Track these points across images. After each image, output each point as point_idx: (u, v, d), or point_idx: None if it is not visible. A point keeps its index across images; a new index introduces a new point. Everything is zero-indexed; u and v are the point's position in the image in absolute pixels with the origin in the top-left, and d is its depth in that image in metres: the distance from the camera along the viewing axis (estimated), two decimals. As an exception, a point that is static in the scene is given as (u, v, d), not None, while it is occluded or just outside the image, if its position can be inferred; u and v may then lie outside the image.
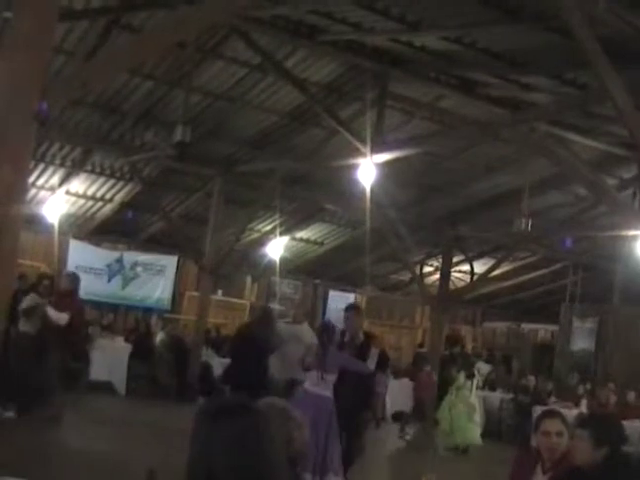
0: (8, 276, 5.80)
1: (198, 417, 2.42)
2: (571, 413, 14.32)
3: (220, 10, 6.61)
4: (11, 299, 7.60)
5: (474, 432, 14.81)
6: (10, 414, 11.30)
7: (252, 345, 11.88)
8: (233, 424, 2.37)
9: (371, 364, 9.38)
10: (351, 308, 10.20)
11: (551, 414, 5.16)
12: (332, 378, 8.96)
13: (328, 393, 8.92)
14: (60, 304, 11.77)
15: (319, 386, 8.91)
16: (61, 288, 12.64)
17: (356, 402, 9.49)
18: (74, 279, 12.53)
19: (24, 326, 11.72)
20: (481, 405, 16.40)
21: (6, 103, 5.69)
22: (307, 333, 12.30)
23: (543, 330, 24.93)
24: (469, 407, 14.75)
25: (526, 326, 25.37)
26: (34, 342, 11.53)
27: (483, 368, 19.63)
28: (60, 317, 11.49)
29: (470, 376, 14.97)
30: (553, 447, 4.89)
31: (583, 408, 17.21)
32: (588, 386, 19.48)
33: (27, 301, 11.86)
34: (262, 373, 11.76)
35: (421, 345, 22.89)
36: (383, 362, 11.27)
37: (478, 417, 15.15)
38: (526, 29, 10.85)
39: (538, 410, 13.71)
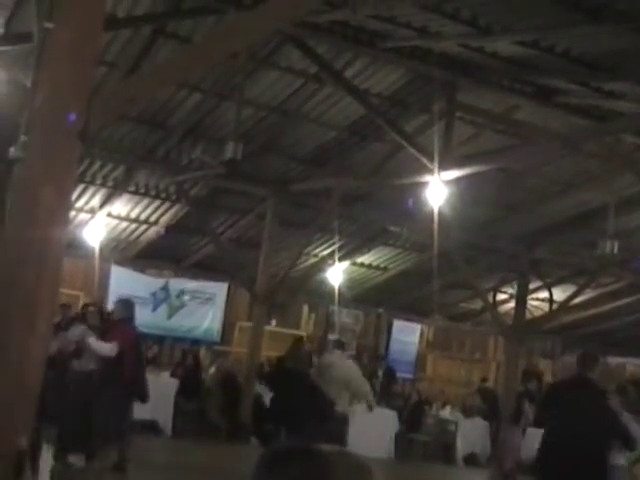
0: (51, 305, 5.87)
1: (258, 464, 2.42)
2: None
3: (276, 16, 6.62)
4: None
5: None
6: (75, 460, 10.98)
7: (286, 378, 12.19)
8: (295, 473, 2.36)
9: None
10: None
11: None
12: None
13: None
14: (109, 334, 11.34)
15: None
16: (112, 317, 12.51)
17: None
18: (126, 306, 12.42)
19: (79, 365, 11.49)
20: None
21: (48, 120, 5.78)
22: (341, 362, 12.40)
23: (632, 365, 24.52)
24: None
25: (612, 360, 24.95)
26: (89, 381, 11.09)
27: None
28: (104, 348, 10.98)
29: None
30: None
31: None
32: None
33: (73, 333, 11.74)
34: (303, 407, 11.93)
35: (484, 380, 22.69)
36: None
37: None
38: (610, 30, 10.77)
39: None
